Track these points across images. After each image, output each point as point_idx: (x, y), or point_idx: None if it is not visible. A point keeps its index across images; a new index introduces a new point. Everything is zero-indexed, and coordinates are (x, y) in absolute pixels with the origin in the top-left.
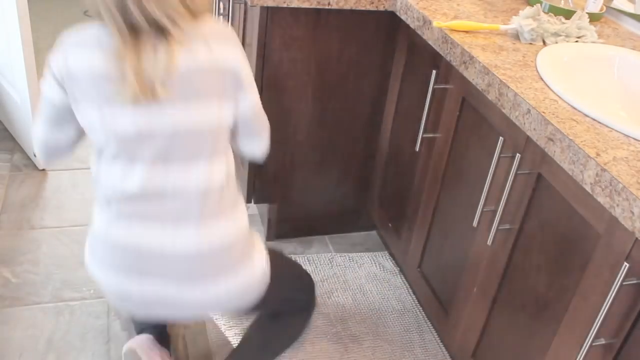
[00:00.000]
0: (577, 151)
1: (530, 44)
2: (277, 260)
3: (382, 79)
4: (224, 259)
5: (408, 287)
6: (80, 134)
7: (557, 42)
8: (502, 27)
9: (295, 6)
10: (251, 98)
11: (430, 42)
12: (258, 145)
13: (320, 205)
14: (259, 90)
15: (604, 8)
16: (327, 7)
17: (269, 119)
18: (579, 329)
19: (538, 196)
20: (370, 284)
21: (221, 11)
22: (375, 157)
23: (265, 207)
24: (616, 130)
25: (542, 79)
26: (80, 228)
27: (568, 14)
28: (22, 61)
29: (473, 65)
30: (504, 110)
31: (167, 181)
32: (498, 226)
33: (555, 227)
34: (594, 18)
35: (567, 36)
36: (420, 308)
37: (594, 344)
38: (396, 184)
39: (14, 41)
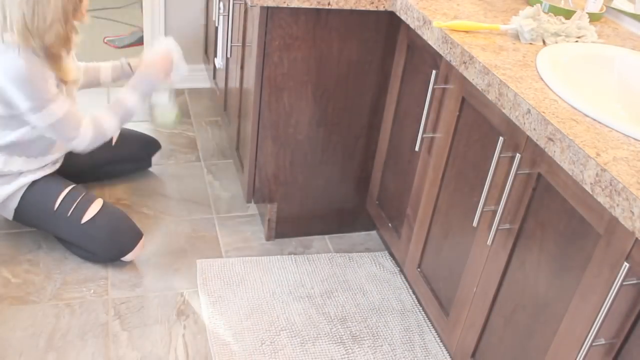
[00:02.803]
0: (577, 151)
1: (530, 44)
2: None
3: (382, 79)
4: None
5: (408, 287)
6: None
7: (557, 42)
8: (502, 27)
9: (295, 6)
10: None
11: (430, 42)
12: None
13: (320, 205)
14: (259, 89)
15: (604, 8)
16: (327, 7)
17: (269, 119)
18: (579, 329)
19: (538, 196)
20: (370, 284)
21: (221, 11)
22: (375, 157)
23: (265, 207)
24: (616, 130)
25: (542, 79)
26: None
27: (568, 14)
28: None
29: (473, 65)
30: (504, 110)
31: None
32: (498, 226)
33: (555, 227)
34: (594, 18)
35: (567, 36)
36: (420, 308)
37: (594, 344)
38: (396, 183)
39: None
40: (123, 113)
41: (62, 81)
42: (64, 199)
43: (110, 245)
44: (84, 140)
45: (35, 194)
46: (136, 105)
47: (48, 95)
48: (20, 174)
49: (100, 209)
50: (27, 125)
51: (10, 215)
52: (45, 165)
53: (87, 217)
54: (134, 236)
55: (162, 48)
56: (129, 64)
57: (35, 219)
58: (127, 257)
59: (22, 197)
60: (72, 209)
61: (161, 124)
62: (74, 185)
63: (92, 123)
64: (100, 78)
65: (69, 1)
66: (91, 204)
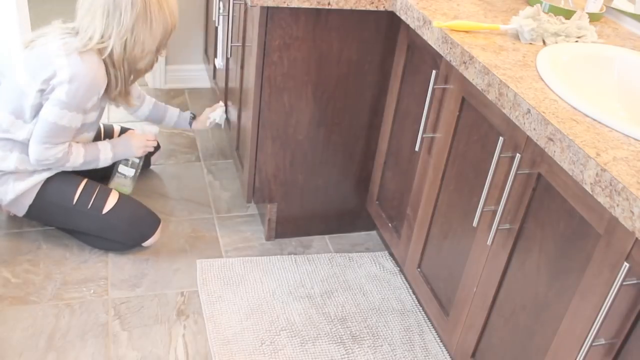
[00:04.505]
0: (577, 151)
1: (530, 44)
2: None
3: (382, 79)
4: None
5: (408, 287)
6: None
7: (557, 42)
8: (502, 27)
9: (295, 6)
10: None
11: (430, 42)
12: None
13: (320, 205)
14: (259, 89)
15: (604, 8)
16: (327, 7)
17: (269, 119)
18: (579, 329)
19: (538, 196)
20: (370, 284)
21: (221, 11)
22: (375, 157)
23: (265, 207)
24: (616, 130)
25: (542, 79)
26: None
27: (568, 14)
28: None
29: (473, 65)
30: (504, 110)
31: None
32: (498, 226)
33: (555, 227)
34: (594, 18)
35: (567, 36)
36: (420, 308)
37: (594, 344)
38: (396, 183)
39: (13, 42)
40: (91, 160)
41: (119, 101)
42: (81, 192)
43: (133, 232)
44: (48, 154)
45: (52, 190)
46: (105, 161)
47: (81, 105)
48: (34, 171)
49: (119, 198)
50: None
51: (22, 212)
52: None
53: (107, 207)
54: (153, 222)
55: (150, 131)
56: (190, 119)
57: (51, 215)
58: (148, 243)
59: (37, 194)
60: (91, 202)
61: (115, 187)
62: (87, 179)
63: (67, 149)
64: (165, 120)
65: (165, 35)
66: (109, 194)
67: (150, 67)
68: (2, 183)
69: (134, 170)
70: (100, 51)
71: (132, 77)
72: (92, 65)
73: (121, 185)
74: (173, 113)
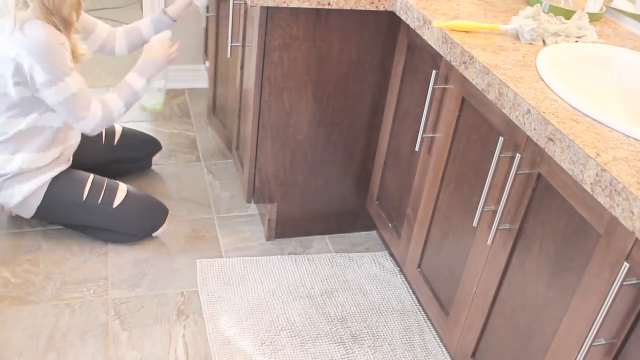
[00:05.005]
0: (577, 151)
1: (530, 44)
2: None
3: (382, 79)
4: None
5: (408, 287)
6: None
7: (557, 42)
8: (502, 27)
9: (295, 6)
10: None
11: (430, 42)
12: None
13: (320, 205)
14: (259, 89)
15: (604, 8)
16: (327, 7)
17: (269, 119)
18: (579, 329)
19: (538, 196)
20: (370, 284)
21: (221, 11)
22: (375, 157)
23: (265, 207)
24: (616, 130)
25: (542, 79)
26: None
27: (568, 14)
28: None
29: (473, 65)
30: (504, 110)
31: None
32: (498, 226)
33: (555, 227)
34: (594, 18)
35: (567, 36)
36: (420, 308)
37: (594, 344)
38: (396, 183)
39: None
40: (131, 98)
41: (72, 55)
42: (90, 188)
43: (143, 223)
44: (93, 121)
45: (60, 188)
46: (143, 89)
47: (65, 68)
48: (38, 172)
49: (128, 191)
50: (35, 111)
51: (30, 213)
52: (60, 159)
53: (117, 201)
54: (162, 212)
55: (163, 38)
56: (165, 13)
57: (61, 213)
58: (158, 232)
59: (45, 194)
60: (101, 196)
61: (149, 106)
62: (94, 175)
63: (101, 104)
64: (143, 35)
65: None
66: (117, 188)
67: (77, 8)
68: (7, 187)
69: (163, 80)
70: (36, 14)
71: (66, 29)
72: (35, 28)
73: (155, 98)
74: (145, 26)
